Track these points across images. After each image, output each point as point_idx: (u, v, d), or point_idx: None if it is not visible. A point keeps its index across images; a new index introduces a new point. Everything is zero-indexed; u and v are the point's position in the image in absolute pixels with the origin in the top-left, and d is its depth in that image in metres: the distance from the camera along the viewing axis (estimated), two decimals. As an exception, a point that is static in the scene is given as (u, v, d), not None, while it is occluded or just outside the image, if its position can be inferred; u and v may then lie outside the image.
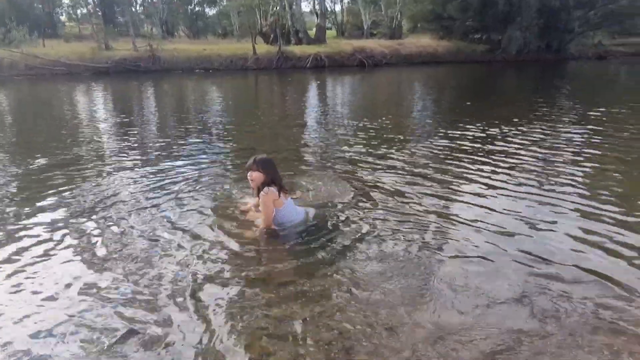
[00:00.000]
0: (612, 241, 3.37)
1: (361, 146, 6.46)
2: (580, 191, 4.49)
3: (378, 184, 4.62)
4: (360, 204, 4.05)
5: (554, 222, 3.72)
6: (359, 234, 3.41)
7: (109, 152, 6.23)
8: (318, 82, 18.81)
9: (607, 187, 4.60)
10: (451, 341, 2.24)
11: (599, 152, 6.06)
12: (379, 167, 5.32)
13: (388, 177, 4.87)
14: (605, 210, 3.97)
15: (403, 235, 3.40)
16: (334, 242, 3.27)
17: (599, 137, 6.97)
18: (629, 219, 3.79)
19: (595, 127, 7.74)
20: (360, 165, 5.42)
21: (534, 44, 25.27)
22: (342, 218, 3.72)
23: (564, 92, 13.74)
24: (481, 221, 3.71)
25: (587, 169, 5.28)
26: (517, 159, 5.73)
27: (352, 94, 15.21)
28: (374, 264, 2.98)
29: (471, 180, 4.83)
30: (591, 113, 9.24)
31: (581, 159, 5.76)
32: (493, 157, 5.82)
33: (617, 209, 3.98)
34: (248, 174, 3.39)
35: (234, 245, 3.22)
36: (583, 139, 6.91)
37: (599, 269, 2.96)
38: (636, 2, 25.71)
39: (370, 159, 5.69)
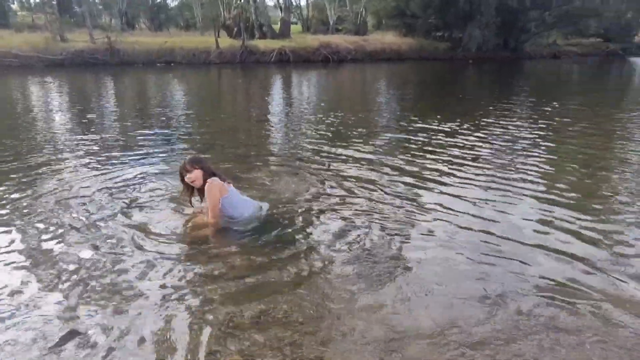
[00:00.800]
0: (567, 223, 3.59)
1: (323, 141, 6.49)
2: (536, 180, 4.73)
3: (339, 178, 4.66)
4: (320, 198, 4.08)
5: (512, 209, 3.91)
6: (317, 228, 3.44)
7: (64, 148, 6.01)
8: (282, 77, 18.75)
9: (560, 177, 4.84)
10: (412, 337, 2.28)
11: (553, 145, 6.39)
12: (341, 161, 5.37)
13: (349, 171, 4.92)
14: (560, 196, 4.22)
15: (363, 229, 3.45)
16: (290, 237, 3.28)
17: (552, 131, 7.34)
18: (581, 203, 4.04)
19: (549, 122, 8.11)
20: (322, 159, 5.45)
21: (493, 42, 26.06)
22: (300, 212, 3.74)
23: (520, 89, 14.25)
24: (443, 211, 3.83)
25: (542, 160, 5.53)
26: (476, 150, 5.94)
27: (317, 89, 15.25)
28: (331, 258, 3.01)
29: (433, 172, 4.96)
30: (546, 109, 9.67)
31: (536, 150, 6.04)
32: (454, 149, 5.99)
33: (570, 195, 4.25)
34: (187, 178, 3.33)
35: (185, 243, 3.19)
36: (538, 133, 7.22)
37: (560, 248, 3.14)
38: (588, 5, 26.92)
39: (332, 154, 5.73)
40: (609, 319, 2.45)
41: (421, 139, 6.71)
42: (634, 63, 25.85)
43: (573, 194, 4.34)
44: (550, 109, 9.60)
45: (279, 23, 30.93)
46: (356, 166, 5.17)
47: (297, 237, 3.30)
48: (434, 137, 6.76)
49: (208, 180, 3.28)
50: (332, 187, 4.39)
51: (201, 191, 3.41)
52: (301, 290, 2.64)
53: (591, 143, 6.62)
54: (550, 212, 3.88)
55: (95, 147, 6.04)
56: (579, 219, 3.75)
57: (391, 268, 2.91)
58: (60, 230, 3.34)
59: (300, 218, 3.62)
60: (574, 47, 30.83)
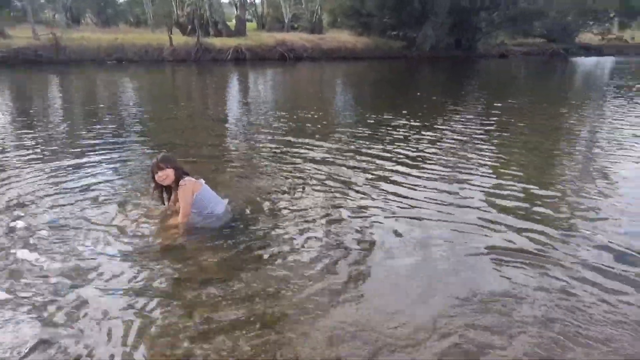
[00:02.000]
0: (518, 215, 3.75)
1: (283, 139, 6.48)
2: (488, 173, 4.95)
3: (299, 177, 4.67)
4: (284, 195, 4.09)
5: (467, 202, 4.07)
6: (284, 226, 3.44)
7: (8, 152, 5.68)
8: (240, 75, 18.52)
9: (510, 171, 5.07)
10: (374, 332, 2.32)
11: (504, 141, 6.68)
12: (302, 158, 5.38)
13: (309, 169, 4.94)
14: (510, 189, 4.44)
15: (326, 227, 3.48)
16: (259, 236, 3.27)
17: (503, 127, 7.69)
18: (533, 193, 4.25)
19: (500, 118, 8.48)
20: (282, 158, 5.44)
21: (446, 41, 26.85)
22: (267, 210, 3.73)
23: (472, 87, 14.77)
24: (400, 207, 3.91)
25: (493, 155, 5.78)
26: (433, 146, 6.14)
27: (275, 87, 15.16)
28: (296, 256, 3.02)
29: (391, 168, 5.08)
30: (497, 104, 10.13)
31: (488, 145, 6.31)
32: (411, 146, 6.15)
33: (521, 187, 4.48)
34: (157, 177, 3.30)
35: (153, 245, 3.11)
36: (489, 128, 7.55)
37: (510, 242, 3.29)
38: (533, 7, 28.25)
39: (292, 151, 5.73)
40: (575, 305, 2.60)
41: (379, 135, 6.84)
42: (575, 63, 27.39)
43: (524, 186, 4.58)
44: (501, 105, 10.05)
45: (234, 20, 30.51)
46: (316, 163, 5.21)
47: (266, 236, 3.29)
48: (390, 134, 6.93)
49: (181, 181, 3.28)
50: (294, 184, 4.41)
51: (169, 189, 3.40)
52: (271, 290, 2.63)
53: (538, 137, 7.01)
54: (504, 207, 4.05)
55: (48, 151, 5.75)
56: (532, 212, 3.95)
57: (359, 269, 2.95)
58: (18, 235, 3.17)
59: (268, 217, 3.62)
60: (520, 46, 32.28)
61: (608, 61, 27.62)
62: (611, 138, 7.01)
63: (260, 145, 6.20)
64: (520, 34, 31.95)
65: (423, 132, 7.15)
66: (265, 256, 3.01)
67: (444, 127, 7.66)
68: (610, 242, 3.37)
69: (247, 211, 3.72)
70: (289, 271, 2.84)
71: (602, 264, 3.05)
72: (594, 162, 5.74)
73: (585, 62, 27.16)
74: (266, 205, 3.87)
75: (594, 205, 4.17)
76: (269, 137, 6.64)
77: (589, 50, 32.82)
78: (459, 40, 27.80)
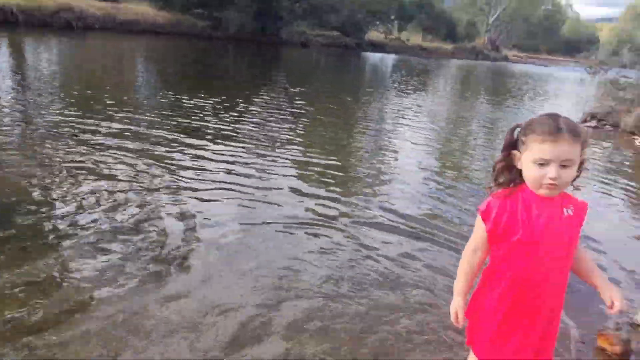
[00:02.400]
0: (315, 186, 4.01)
1: (68, 119, 5.50)
2: (290, 151, 5.22)
3: (86, 161, 4.03)
4: (62, 182, 3.46)
5: (270, 178, 4.27)
6: (64, 213, 2.86)
7: None
8: (11, 43, 15.18)
9: (308, 148, 5.39)
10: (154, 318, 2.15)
11: (304, 122, 7.12)
12: (90, 141, 4.66)
13: (100, 153, 4.33)
14: (308, 164, 4.71)
15: (119, 212, 3.08)
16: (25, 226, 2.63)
17: (304, 108, 8.15)
18: (328, 166, 4.56)
19: (301, 100, 8.93)
20: (64, 139, 4.61)
21: (251, 26, 26.99)
22: (38, 199, 3.05)
23: (278, 71, 15.19)
24: (221, 191, 3.84)
25: (295, 135, 6.03)
26: (238, 127, 6.07)
27: (60, 60, 12.90)
28: (83, 242, 2.53)
29: (197, 149, 4.88)
30: (300, 89, 10.60)
31: (291, 125, 6.61)
32: (222, 128, 5.94)
33: (317, 162, 4.78)
34: None
35: None
36: (293, 110, 7.86)
37: (310, 211, 3.47)
38: (328, 1, 30.55)
39: (78, 133, 4.92)
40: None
41: (182, 117, 6.46)
42: (365, 56, 30.84)
43: (320, 162, 4.98)
44: (303, 90, 10.57)
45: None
46: (110, 149, 4.60)
47: (39, 225, 2.66)
48: (193, 114, 6.63)
49: None
50: (78, 171, 3.76)
51: None
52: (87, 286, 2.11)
53: (335, 119, 7.66)
54: (302, 180, 4.40)
55: None
56: (328, 183, 4.27)
57: (185, 257, 2.65)
58: None
59: (43, 204, 2.96)
60: (319, 37, 34.68)
61: (390, 58, 31.94)
62: (393, 121, 8.14)
63: (48, 126, 5.13)
64: (319, 26, 34.30)
65: (227, 113, 7.04)
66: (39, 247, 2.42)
67: (249, 107, 7.68)
68: (391, 204, 4.07)
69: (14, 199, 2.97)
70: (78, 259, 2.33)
71: (382, 222, 3.67)
72: (379, 140, 6.65)
73: (373, 57, 30.84)
74: (38, 193, 3.18)
75: (378, 174, 4.90)
76: (49, 119, 5.55)
77: (375, 46, 37.29)
78: (264, 27, 28.31)
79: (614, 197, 5.40)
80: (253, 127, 6.39)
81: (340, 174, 4.83)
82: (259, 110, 7.61)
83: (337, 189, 4.34)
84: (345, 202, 4.04)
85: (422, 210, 4.10)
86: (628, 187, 5.89)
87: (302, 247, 3.18)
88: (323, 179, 4.59)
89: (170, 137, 5.27)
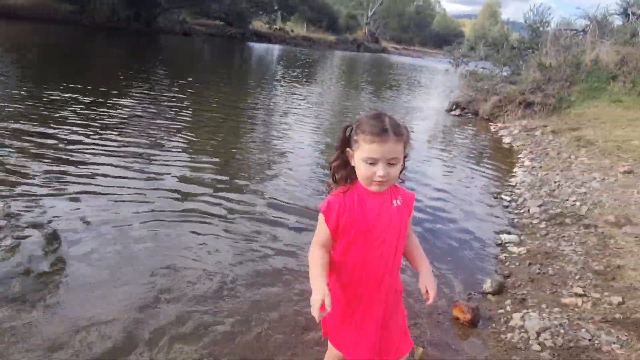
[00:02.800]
0: (205, 182, 3.90)
1: None
2: (176, 146, 5.06)
3: None
4: None
5: (164, 175, 4.12)
6: None
7: None
8: None
9: (196, 143, 5.19)
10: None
11: (189, 116, 6.82)
12: None
13: None
14: (197, 160, 4.60)
15: None
16: None
17: (188, 102, 7.80)
18: (218, 162, 4.49)
19: (185, 94, 8.53)
20: None
21: (124, 12, 25.01)
22: None
23: (157, 62, 14.31)
24: (86, 194, 3.54)
25: (182, 131, 5.75)
26: (114, 126, 5.64)
27: None
28: None
29: (71, 144, 4.40)
30: (182, 81, 10.13)
31: (176, 121, 6.28)
32: (90, 124, 5.45)
33: (206, 157, 4.66)
34: None
35: None
36: (176, 105, 7.48)
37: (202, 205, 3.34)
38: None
39: None
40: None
41: (49, 109, 5.79)
42: (250, 47, 30.42)
43: (208, 158, 4.85)
44: (186, 82, 10.11)
45: None
46: None
47: None
48: (64, 107, 5.99)
49: None
50: None
51: None
52: None
53: (222, 112, 7.48)
54: (198, 176, 4.18)
55: None
56: (215, 179, 4.18)
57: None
58: None
59: None
60: (202, 27, 33.36)
61: (276, 48, 31.93)
62: (280, 112, 8.17)
63: None
64: (201, 14, 33.00)
65: (97, 107, 6.47)
66: None
67: (122, 101, 7.16)
68: (275, 198, 4.13)
69: None
70: None
71: (265, 216, 3.72)
72: (266, 131, 6.65)
73: (258, 48, 30.55)
74: None
75: (262, 167, 4.95)
76: None
77: (260, 37, 36.96)
78: (139, 13, 26.39)
79: (476, 175, 6.07)
80: (127, 122, 5.98)
81: (225, 168, 4.77)
82: (135, 104, 7.12)
83: (222, 185, 4.29)
84: (229, 197, 4.02)
85: (307, 202, 4.19)
86: (487, 166, 6.68)
87: (181, 245, 3.14)
88: (205, 175, 4.48)
89: (30, 139, 4.69)
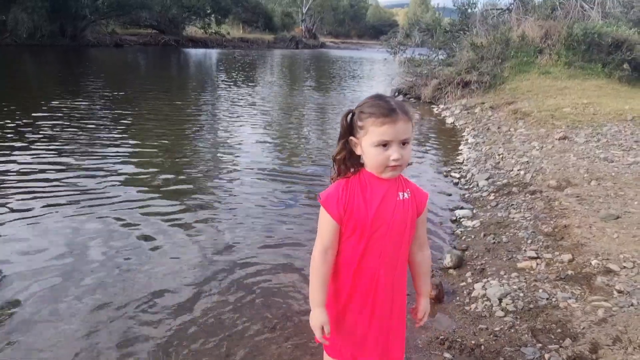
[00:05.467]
0: (162, 189, 3.75)
1: None
2: (125, 158, 4.83)
3: None
4: None
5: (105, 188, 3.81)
6: None
7: None
8: None
9: (145, 153, 5.00)
10: None
11: (133, 128, 6.53)
12: None
13: None
14: (150, 169, 4.43)
15: None
16: None
17: (130, 114, 7.51)
18: (171, 169, 4.33)
19: (120, 107, 8.17)
20: None
21: (47, 28, 23.62)
22: None
23: (89, 77, 13.61)
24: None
25: (122, 144, 5.52)
26: (56, 143, 5.29)
27: None
28: None
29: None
30: (120, 93, 9.68)
31: (120, 133, 6.07)
32: (22, 145, 5.10)
33: (160, 164, 4.52)
34: None
35: None
36: (114, 118, 7.19)
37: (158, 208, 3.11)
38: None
39: None
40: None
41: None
42: (187, 53, 29.62)
43: (161, 165, 4.66)
44: (124, 94, 9.72)
45: None
46: None
47: None
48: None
49: None
50: None
51: None
52: None
53: (168, 120, 7.24)
54: (145, 183, 4.04)
55: None
56: (170, 184, 4.02)
57: None
58: None
59: None
60: (134, 36, 32.11)
61: (213, 52, 31.29)
62: (225, 115, 8.02)
63: None
64: (131, 24, 31.78)
65: (27, 128, 6.07)
66: None
67: (55, 117, 6.79)
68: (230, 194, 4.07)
69: None
70: None
71: (217, 223, 3.57)
72: (213, 136, 6.54)
73: (195, 53, 29.81)
74: None
75: (212, 174, 4.91)
76: None
77: (196, 42, 36.05)
78: (63, 28, 25.02)
79: (426, 157, 6.23)
80: (63, 140, 5.66)
81: (172, 180, 4.59)
82: (70, 120, 6.75)
83: (171, 195, 4.14)
84: (178, 207, 3.87)
85: (266, 205, 4.12)
86: (435, 147, 6.87)
87: (126, 262, 2.96)
88: (152, 186, 4.31)
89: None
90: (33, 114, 7.05)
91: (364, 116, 1.36)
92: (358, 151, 1.41)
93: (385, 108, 1.33)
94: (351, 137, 1.42)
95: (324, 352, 1.62)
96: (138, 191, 4.23)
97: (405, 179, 1.47)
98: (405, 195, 1.42)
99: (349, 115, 1.42)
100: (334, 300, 1.52)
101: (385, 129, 1.32)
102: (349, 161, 1.44)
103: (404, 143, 1.35)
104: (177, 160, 5.32)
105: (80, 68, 16.28)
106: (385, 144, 1.34)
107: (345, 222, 1.42)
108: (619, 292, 2.52)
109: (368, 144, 1.36)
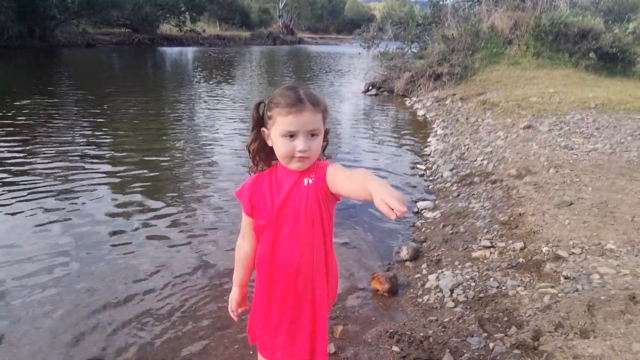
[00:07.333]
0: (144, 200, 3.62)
1: None
2: (103, 162, 4.66)
3: None
4: None
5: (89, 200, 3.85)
6: None
7: None
8: None
9: (126, 159, 4.89)
10: None
11: (113, 130, 6.48)
12: None
13: None
14: (131, 176, 4.32)
15: None
16: None
17: (104, 116, 7.39)
18: (152, 177, 4.25)
19: (96, 108, 7.99)
20: None
21: (14, 29, 22.99)
22: None
23: (61, 79, 13.30)
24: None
25: (106, 144, 5.39)
26: (31, 146, 5.16)
27: None
28: None
29: None
30: (92, 95, 9.49)
31: (99, 137, 6.03)
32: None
33: (139, 173, 4.44)
34: None
35: None
36: (92, 119, 7.12)
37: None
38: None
39: None
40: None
41: None
42: (162, 52, 29.17)
43: (142, 173, 4.59)
44: (97, 94, 9.52)
45: None
46: None
47: None
48: None
49: None
50: None
51: None
52: None
53: (147, 121, 7.17)
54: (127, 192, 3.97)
55: None
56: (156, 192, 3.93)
57: None
58: None
59: None
60: (106, 36, 31.46)
61: (189, 50, 30.87)
62: (205, 114, 7.94)
63: None
64: (103, 23, 31.15)
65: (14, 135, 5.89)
66: None
67: (28, 120, 6.62)
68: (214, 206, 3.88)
69: None
70: None
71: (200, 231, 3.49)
72: (192, 137, 6.48)
73: (171, 52, 29.37)
74: None
75: (196, 175, 4.84)
76: None
77: (171, 40, 35.50)
78: (32, 28, 24.38)
79: (396, 149, 6.23)
80: (37, 144, 5.52)
81: (154, 181, 4.49)
82: (42, 122, 6.58)
83: (153, 199, 4.07)
84: (163, 211, 3.79)
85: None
86: (405, 139, 6.89)
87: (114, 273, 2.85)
88: (134, 191, 4.21)
89: None
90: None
91: (272, 106, 1.34)
92: (269, 142, 1.40)
93: (291, 98, 1.30)
94: (263, 129, 1.40)
95: (258, 352, 1.61)
96: (111, 190, 4.18)
97: (317, 164, 1.39)
98: (310, 180, 1.37)
99: (261, 105, 1.40)
100: (258, 296, 1.52)
101: (291, 119, 1.29)
102: (263, 152, 1.44)
103: (312, 134, 1.33)
104: (152, 158, 5.23)
105: (50, 69, 15.88)
106: (292, 135, 1.31)
107: (256, 216, 1.45)
108: (566, 278, 2.54)
109: (276, 134, 1.34)
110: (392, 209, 0.98)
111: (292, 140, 1.32)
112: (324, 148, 1.44)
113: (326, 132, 1.42)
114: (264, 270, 1.47)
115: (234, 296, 1.63)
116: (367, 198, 1.10)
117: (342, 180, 1.27)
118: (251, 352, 2.19)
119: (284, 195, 1.38)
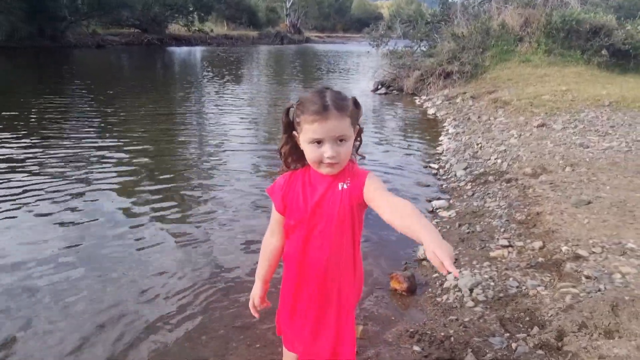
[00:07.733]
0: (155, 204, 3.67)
1: None
2: (115, 163, 4.66)
3: None
4: None
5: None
6: None
7: None
8: None
9: (135, 159, 4.92)
10: None
11: (124, 129, 6.53)
12: None
13: None
14: (140, 176, 4.34)
15: None
16: None
17: (121, 116, 7.46)
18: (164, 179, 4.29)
19: (108, 107, 8.07)
20: None
21: (25, 29, 23.21)
22: None
23: (71, 79, 13.41)
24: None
25: (117, 144, 5.44)
26: (42, 146, 5.19)
27: None
28: None
29: None
30: (103, 95, 9.56)
31: (103, 136, 6.02)
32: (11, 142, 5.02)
33: (150, 171, 4.44)
34: None
35: None
36: (102, 119, 7.16)
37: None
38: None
39: None
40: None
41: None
42: (171, 52, 29.33)
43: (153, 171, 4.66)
44: (108, 94, 9.56)
45: None
46: None
47: None
48: None
49: None
50: None
51: None
52: None
53: (158, 121, 7.21)
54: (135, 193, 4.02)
55: None
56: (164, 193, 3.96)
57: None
58: None
59: None
60: (116, 36, 31.67)
61: (198, 50, 31.00)
62: (214, 114, 7.99)
63: None
64: (113, 24, 31.34)
65: (15, 133, 5.96)
66: None
67: (42, 120, 6.68)
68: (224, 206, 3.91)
69: None
70: None
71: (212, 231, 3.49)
72: (203, 135, 6.54)
73: (179, 52, 29.51)
74: None
75: (207, 174, 4.84)
76: None
77: (180, 40, 35.68)
78: (42, 29, 24.59)
79: (407, 148, 6.22)
80: (50, 144, 5.58)
81: (164, 182, 4.52)
82: (54, 121, 6.64)
83: (163, 197, 4.09)
84: (175, 210, 3.82)
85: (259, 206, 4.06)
86: (416, 138, 6.87)
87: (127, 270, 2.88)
88: (145, 191, 4.24)
89: None
90: (10, 117, 6.93)
91: (299, 112, 1.34)
92: (301, 146, 1.39)
93: (317, 105, 1.29)
94: (294, 133, 1.40)
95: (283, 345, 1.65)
96: (123, 189, 4.20)
97: (352, 167, 1.41)
98: (345, 185, 1.37)
99: (290, 111, 1.40)
100: (285, 292, 1.55)
101: (316, 127, 1.29)
102: (295, 154, 1.44)
103: (340, 140, 1.32)
104: (163, 157, 5.28)
105: (61, 70, 16.02)
106: (319, 141, 1.31)
107: (287, 215, 1.46)
108: (587, 277, 2.52)
109: (304, 140, 1.35)
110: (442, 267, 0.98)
111: (319, 146, 1.32)
112: (357, 148, 1.45)
113: (359, 132, 1.42)
114: (292, 268, 1.49)
115: (256, 292, 1.63)
116: (408, 235, 1.12)
117: (382, 203, 1.26)
118: (272, 352, 2.20)
119: (317, 197, 1.39)
